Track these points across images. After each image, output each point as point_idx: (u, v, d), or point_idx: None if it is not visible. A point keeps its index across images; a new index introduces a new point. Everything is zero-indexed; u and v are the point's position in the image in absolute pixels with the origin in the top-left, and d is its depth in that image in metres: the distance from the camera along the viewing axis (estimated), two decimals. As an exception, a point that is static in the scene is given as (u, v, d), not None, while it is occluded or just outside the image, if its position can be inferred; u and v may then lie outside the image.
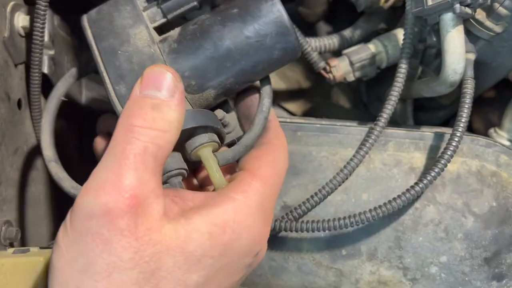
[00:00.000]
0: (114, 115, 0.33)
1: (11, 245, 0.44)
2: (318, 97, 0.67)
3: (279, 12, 0.33)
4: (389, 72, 0.59)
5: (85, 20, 0.35)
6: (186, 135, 0.32)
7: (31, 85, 0.48)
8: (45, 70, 0.49)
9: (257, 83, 0.37)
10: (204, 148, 0.33)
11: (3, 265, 0.36)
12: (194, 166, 0.38)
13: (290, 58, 0.35)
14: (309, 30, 0.63)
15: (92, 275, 0.26)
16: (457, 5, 0.39)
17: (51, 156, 0.36)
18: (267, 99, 0.36)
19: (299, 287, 0.44)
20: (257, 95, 0.37)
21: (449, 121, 0.62)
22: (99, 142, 0.40)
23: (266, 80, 0.37)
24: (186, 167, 0.33)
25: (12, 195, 0.46)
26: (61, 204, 0.58)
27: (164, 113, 0.29)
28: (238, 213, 0.29)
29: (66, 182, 0.34)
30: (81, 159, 0.62)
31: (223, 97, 0.35)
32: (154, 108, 0.28)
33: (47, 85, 0.50)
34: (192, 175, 0.40)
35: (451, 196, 0.43)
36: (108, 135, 0.39)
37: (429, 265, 0.43)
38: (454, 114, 0.62)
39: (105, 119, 0.41)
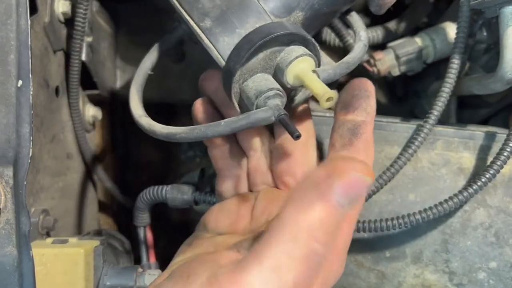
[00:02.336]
0: (218, 71, 0.32)
1: (48, 234, 0.43)
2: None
3: None
4: (428, 67, 0.57)
5: None
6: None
7: (70, 72, 0.47)
8: (83, 57, 0.48)
9: None
10: (302, 62, 0.29)
11: (43, 256, 0.35)
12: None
13: None
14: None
15: None
16: (522, -2, 0.36)
17: (141, 113, 0.35)
18: (362, 32, 0.34)
19: (338, 287, 0.43)
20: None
21: (490, 119, 0.60)
22: (198, 108, 0.36)
23: (354, 15, 0.35)
24: (282, 90, 0.30)
25: (49, 184, 0.46)
26: (93, 195, 0.58)
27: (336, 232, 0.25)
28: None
29: (157, 126, 0.32)
30: (113, 150, 0.62)
31: (311, 27, 0.33)
32: (337, 226, 0.24)
33: (83, 73, 0.50)
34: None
35: (503, 199, 0.41)
36: (208, 102, 0.36)
37: (477, 271, 0.41)
38: (496, 113, 0.60)
39: (209, 77, 0.37)
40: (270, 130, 0.37)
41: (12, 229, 0.30)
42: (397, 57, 0.49)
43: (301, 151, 0.35)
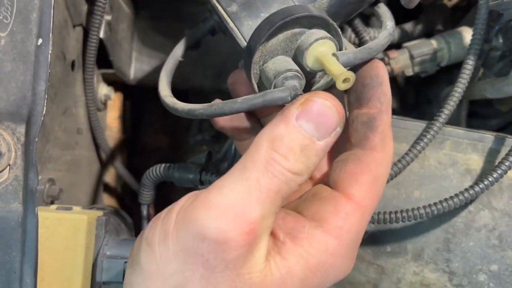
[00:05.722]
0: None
1: (52, 203, 0.44)
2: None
3: None
4: (441, 74, 0.57)
5: None
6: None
7: (88, 48, 0.48)
8: (101, 34, 0.49)
9: None
10: (322, 44, 0.30)
11: (47, 219, 0.35)
12: None
13: None
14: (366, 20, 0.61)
15: None
16: (541, 1, 0.37)
17: (167, 94, 0.35)
18: (389, 22, 0.34)
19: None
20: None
21: (500, 131, 0.60)
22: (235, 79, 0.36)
23: (382, 6, 0.36)
24: (301, 72, 0.30)
25: (57, 155, 0.46)
26: (99, 173, 0.58)
27: (309, 158, 0.27)
28: (330, 256, 0.27)
29: (179, 104, 0.33)
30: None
31: (336, 15, 0.33)
32: (303, 151, 0.26)
33: (99, 52, 0.50)
34: None
35: (509, 202, 0.41)
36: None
37: (477, 273, 0.41)
38: (506, 125, 0.60)
39: (238, 80, 0.37)
40: None
41: (20, 186, 0.31)
42: (412, 57, 0.50)
43: None
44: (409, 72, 0.50)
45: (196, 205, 0.25)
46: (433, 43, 0.50)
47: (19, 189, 0.30)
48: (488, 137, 0.43)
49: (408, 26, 0.54)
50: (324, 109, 0.27)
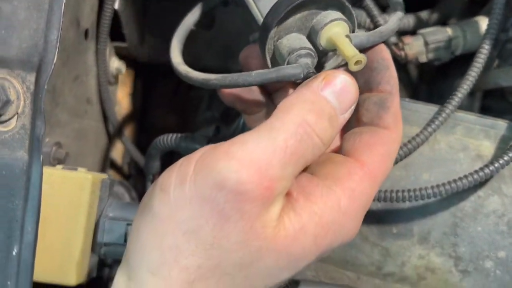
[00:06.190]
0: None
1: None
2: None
3: None
4: (455, 66, 0.57)
5: None
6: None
7: (102, 18, 0.48)
8: (116, 6, 0.49)
9: None
10: (336, 25, 0.31)
11: (51, 175, 0.35)
12: None
13: None
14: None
15: (196, 243, 0.25)
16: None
17: (179, 61, 0.36)
18: (399, 6, 0.35)
19: (340, 260, 0.42)
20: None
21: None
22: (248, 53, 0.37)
23: None
24: (314, 51, 0.31)
25: (65, 121, 0.46)
26: (106, 146, 0.58)
27: (334, 128, 0.28)
28: (342, 215, 0.28)
29: (193, 73, 0.33)
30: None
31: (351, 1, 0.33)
32: (330, 120, 0.27)
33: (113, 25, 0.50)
34: None
35: (520, 189, 0.40)
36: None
37: (484, 259, 0.40)
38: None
39: (251, 53, 0.37)
40: None
41: (26, 134, 0.31)
42: (426, 44, 0.49)
43: None
44: (423, 59, 0.50)
45: (217, 155, 0.25)
46: (449, 30, 0.50)
47: (26, 137, 0.30)
48: (500, 124, 0.43)
49: (424, 14, 0.53)
50: (347, 85, 0.28)
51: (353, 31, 0.32)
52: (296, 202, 0.27)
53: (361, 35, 0.31)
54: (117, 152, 0.61)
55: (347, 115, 0.29)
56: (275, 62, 0.33)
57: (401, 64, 0.58)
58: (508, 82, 0.44)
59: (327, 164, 0.30)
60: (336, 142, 0.34)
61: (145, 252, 0.25)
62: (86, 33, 0.48)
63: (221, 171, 0.24)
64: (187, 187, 0.25)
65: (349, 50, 0.29)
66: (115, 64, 0.54)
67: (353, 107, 0.29)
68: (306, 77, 0.30)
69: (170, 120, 0.64)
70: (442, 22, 0.54)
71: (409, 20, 0.52)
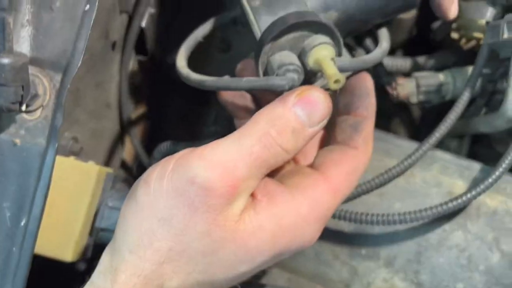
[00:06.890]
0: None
1: (72, 159, 0.49)
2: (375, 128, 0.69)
3: None
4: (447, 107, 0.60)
5: None
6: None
7: (130, 33, 0.54)
8: (143, 24, 0.55)
9: None
10: (324, 48, 0.34)
11: (62, 163, 0.41)
12: None
13: (409, 4, 0.39)
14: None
15: (168, 229, 0.29)
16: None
17: (183, 65, 0.41)
18: (385, 43, 0.39)
19: (311, 274, 0.46)
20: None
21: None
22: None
23: (384, 30, 0.40)
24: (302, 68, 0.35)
25: (84, 120, 0.52)
26: (119, 149, 0.64)
27: (297, 141, 0.31)
28: (301, 220, 0.31)
29: (192, 75, 0.38)
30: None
31: (341, 29, 0.37)
32: (294, 133, 0.30)
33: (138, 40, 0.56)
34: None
35: (483, 227, 0.43)
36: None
37: (443, 288, 0.43)
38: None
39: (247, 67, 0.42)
40: None
41: (47, 124, 0.36)
42: (418, 86, 0.53)
43: None
44: (414, 100, 0.54)
45: (192, 156, 0.30)
46: (441, 76, 0.54)
47: (46, 127, 0.36)
48: (475, 166, 0.46)
49: (421, 59, 0.58)
50: (318, 101, 0.31)
51: (339, 55, 0.36)
52: (259, 203, 0.31)
53: (345, 60, 0.35)
54: (129, 155, 0.66)
55: (317, 128, 0.31)
56: (267, 75, 0.37)
57: (406, 106, 0.62)
58: (486, 129, 0.48)
59: (296, 174, 0.34)
60: (310, 156, 0.38)
61: (127, 234, 0.30)
62: (113, 45, 0.54)
63: (193, 169, 0.29)
64: (165, 181, 0.30)
65: (331, 70, 0.33)
66: (137, 75, 0.60)
67: (324, 121, 0.32)
68: (289, 90, 0.33)
69: (180, 131, 0.69)
70: (439, 68, 0.58)
71: (407, 63, 0.57)
